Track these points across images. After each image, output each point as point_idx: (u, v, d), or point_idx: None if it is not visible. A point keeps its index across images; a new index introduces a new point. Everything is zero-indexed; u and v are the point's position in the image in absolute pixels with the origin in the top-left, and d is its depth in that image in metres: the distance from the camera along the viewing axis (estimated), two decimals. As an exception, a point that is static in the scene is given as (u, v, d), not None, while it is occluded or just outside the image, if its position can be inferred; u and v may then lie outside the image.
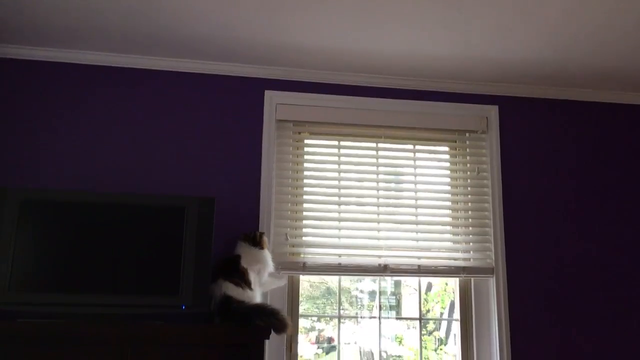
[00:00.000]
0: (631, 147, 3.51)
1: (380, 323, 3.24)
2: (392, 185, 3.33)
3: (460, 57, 3.10)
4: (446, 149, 3.42)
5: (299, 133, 3.29)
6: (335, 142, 3.31)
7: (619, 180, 3.45)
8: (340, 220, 3.18)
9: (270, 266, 2.84)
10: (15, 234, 2.51)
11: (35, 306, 2.49)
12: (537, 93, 3.46)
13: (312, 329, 3.49)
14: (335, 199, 3.21)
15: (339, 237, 3.16)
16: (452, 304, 3.40)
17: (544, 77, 3.33)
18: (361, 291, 3.56)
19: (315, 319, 3.49)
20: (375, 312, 3.32)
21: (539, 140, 3.43)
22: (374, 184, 3.26)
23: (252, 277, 2.72)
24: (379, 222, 3.20)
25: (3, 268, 2.46)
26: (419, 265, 3.17)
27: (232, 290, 2.62)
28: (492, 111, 3.41)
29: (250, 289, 2.68)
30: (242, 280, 2.67)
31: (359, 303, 3.55)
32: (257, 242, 2.82)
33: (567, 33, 2.83)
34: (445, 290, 3.52)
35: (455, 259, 3.22)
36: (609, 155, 3.48)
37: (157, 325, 2.49)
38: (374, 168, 3.28)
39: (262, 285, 2.79)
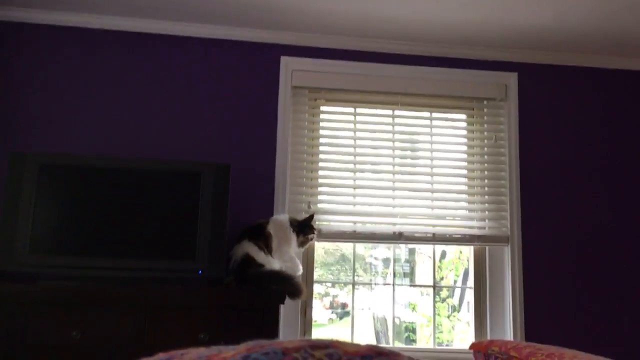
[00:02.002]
0: (653, 116, 3.45)
1: (394, 290, 3.27)
2: (408, 153, 3.31)
3: (478, 23, 3.04)
4: (463, 116, 3.39)
5: (315, 100, 3.27)
6: (351, 109, 3.29)
7: (638, 149, 3.40)
8: (355, 187, 3.18)
9: (291, 249, 2.80)
10: (35, 198, 2.54)
11: (54, 268, 2.55)
12: (558, 60, 3.39)
13: (327, 294, 3.53)
14: (351, 166, 3.20)
15: (354, 205, 3.16)
16: (465, 272, 3.41)
17: (564, 44, 3.26)
18: (375, 258, 3.58)
19: (329, 284, 3.53)
20: (389, 279, 3.35)
21: (558, 108, 3.38)
22: (389, 152, 3.25)
23: (275, 244, 2.74)
24: (394, 189, 3.20)
25: (24, 231, 2.50)
26: (433, 233, 3.18)
27: (254, 252, 2.66)
28: (511, 78, 3.35)
29: (271, 255, 2.71)
30: (265, 244, 2.70)
31: (373, 270, 3.58)
32: (294, 226, 2.81)
33: (591, -2, 2.76)
34: (459, 258, 3.53)
35: (470, 227, 3.22)
36: (630, 124, 3.42)
37: (174, 288, 2.53)
38: (390, 135, 3.27)
39: (280, 256, 2.79)
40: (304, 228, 2.83)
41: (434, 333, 3.24)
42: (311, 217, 2.88)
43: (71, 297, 2.41)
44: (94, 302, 2.42)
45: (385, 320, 3.37)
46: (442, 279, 3.55)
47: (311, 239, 2.87)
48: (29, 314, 2.34)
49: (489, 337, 3.15)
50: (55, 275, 2.57)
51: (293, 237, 2.81)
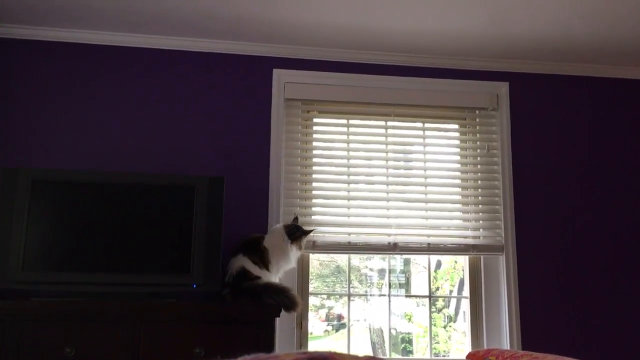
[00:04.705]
0: (643, 123, 3.47)
1: (389, 301, 3.26)
2: (402, 163, 3.32)
3: (469, 34, 3.06)
4: (456, 126, 3.40)
5: (308, 112, 3.28)
6: (344, 121, 3.29)
7: (630, 156, 3.42)
8: (349, 198, 3.18)
9: (290, 261, 2.83)
10: (28, 214, 2.53)
11: (48, 285, 2.53)
12: (548, 69, 3.42)
13: (322, 306, 3.52)
14: (345, 177, 3.21)
15: (348, 216, 3.16)
16: (461, 282, 3.41)
17: (555, 53, 3.29)
18: (371, 269, 3.58)
19: (325, 296, 3.52)
20: (385, 290, 3.34)
21: (550, 117, 3.40)
22: (383, 162, 3.25)
23: (272, 258, 2.74)
24: (388, 200, 3.20)
25: (16, 248, 2.48)
26: (428, 243, 3.17)
27: (250, 265, 2.66)
28: (503, 88, 3.37)
29: (268, 269, 2.70)
30: (260, 259, 2.70)
31: (369, 281, 3.57)
32: (291, 234, 2.81)
33: (578, 7, 2.78)
34: (454, 268, 3.53)
35: (464, 237, 3.22)
36: (621, 132, 3.44)
37: (169, 302, 2.51)
38: (383, 146, 3.27)
39: (278, 270, 2.80)
40: (299, 229, 2.85)
41: (431, 343, 3.23)
42: (296, 218, 2.95)
43: (65, 313, 2.39)
44: (88, 317, 2.40)
45: (382, 331, 3.36)
46: (437, 289, 3.54)
47: (310, 231, 2.91)
48: (22, 330, 2.32)
49: (485, 347, 3.14)
50: (48, 292, 2.54)
51: (291, 248, 2.80)
